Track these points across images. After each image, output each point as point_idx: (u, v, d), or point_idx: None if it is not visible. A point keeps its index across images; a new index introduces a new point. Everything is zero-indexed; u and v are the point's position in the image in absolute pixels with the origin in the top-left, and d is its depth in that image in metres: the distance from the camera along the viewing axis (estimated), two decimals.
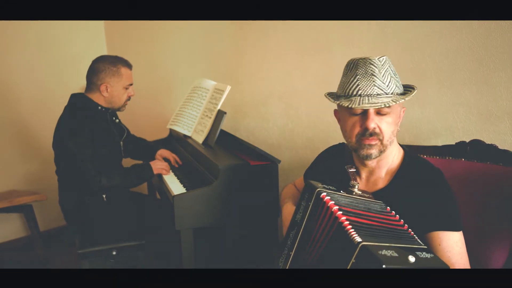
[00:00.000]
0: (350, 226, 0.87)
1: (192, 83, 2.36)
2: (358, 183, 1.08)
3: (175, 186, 1.80)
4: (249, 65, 2.29)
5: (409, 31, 1.57)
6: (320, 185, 1.02)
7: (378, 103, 1.01)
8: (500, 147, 1.28)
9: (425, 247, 0.91)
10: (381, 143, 1.06)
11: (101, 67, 1.89)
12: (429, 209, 1.04)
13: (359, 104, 1.01)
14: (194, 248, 1.65)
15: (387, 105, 1.01)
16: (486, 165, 1.27)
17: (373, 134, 1.05)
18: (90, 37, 3.17)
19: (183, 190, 1.73)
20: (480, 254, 1.16)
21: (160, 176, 2.01)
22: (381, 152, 1.07)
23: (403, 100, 1.03)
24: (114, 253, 1.87)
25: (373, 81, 1.03)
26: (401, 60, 1.58)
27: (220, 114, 1.96)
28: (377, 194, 1.10)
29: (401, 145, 1.17)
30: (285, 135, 2.15)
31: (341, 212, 0.91)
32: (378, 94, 1.02)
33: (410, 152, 1.18)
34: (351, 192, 1.05)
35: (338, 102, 1.07)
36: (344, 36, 1.80)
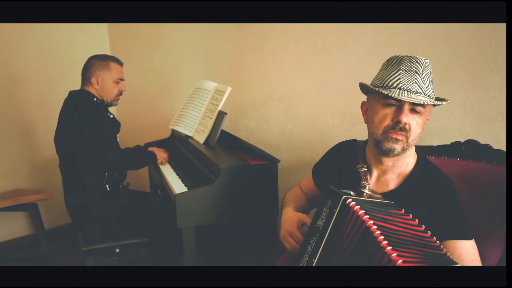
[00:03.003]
0: (382, 237, 0.86)
1: (193, 84, 2.38)
2: (369, 184, 1.08)
3: (177, 185, 1.82)
4: (249, 67, 2.31)
5: (406, 34, 1.59)
6: (341, 190, 1.00)
7: (417, 99, 1.00)
8: (494, 147, 1.30)
9: (456, 262, 0.90)
10: (407, 141, 1.05)
11: (92, 62, 2.06)
12: (440, 218, 1.04)
13: (398, 96, 1.01)
14: (196, 246, 1.68)
15: (426, 103, 1.02)
16: (480, 165, 1.29)
17: (402, 129, 1.04)
18: (94, 40, 3.20)
19: (185, 189, 1.76)
20: None
21: (161, 174, 2.04)
22: (404, 149, 1.06)
23: (440, 103, 1.04)
24: (117, 250, 1.90)
25: (416, 79, 1.02)
26: None
27: (221, 115, 1.98)
28: (387, 195, 1.10)
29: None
30: (285, 136, 2.18)
31: (372, 222, 0.90)
32: (417, 92, 1.02)
33: (423, 156, 1.18)
34: (362, 193, 1.05)
35: (376, 89, 1.04)
36: (342, 39, 1.82)
